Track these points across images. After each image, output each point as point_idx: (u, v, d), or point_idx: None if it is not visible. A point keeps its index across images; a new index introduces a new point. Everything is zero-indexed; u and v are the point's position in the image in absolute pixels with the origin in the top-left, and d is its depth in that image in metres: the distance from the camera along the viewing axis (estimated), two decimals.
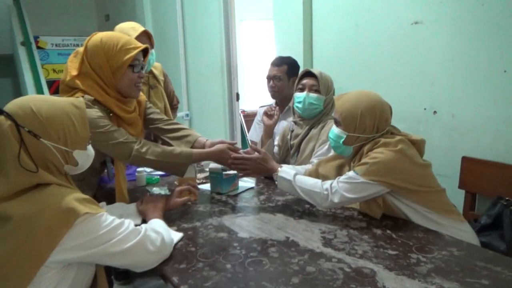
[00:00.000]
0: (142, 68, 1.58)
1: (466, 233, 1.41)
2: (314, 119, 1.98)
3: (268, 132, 2.08)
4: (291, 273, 1.10)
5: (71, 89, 1.52)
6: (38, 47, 5.40)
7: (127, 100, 1.61)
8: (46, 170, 1.04)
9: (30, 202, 0.98)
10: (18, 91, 5.65)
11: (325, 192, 1.44)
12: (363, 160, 1.42)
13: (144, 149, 1.52)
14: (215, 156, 1.66)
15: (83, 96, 1.48)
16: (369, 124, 1.45)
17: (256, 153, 1.66)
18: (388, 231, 1.35)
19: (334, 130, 1.52)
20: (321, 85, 1.93)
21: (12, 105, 1.03)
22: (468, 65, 1.85)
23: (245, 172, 1.66)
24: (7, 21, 5.43)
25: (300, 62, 2.52)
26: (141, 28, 2.15)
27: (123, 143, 1.50)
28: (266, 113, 2.09)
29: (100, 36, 1.52)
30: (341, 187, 1.42)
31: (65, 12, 6.07)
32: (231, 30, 3.52)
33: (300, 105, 1.97)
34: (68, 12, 6.10)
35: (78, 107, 1.11)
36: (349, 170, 1.53)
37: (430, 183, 1.44)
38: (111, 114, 1.57)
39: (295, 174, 1.53)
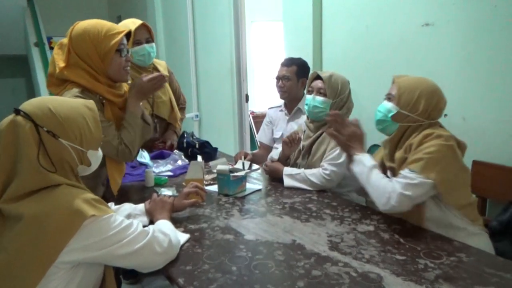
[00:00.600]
0: (128, 52, 1.63)
1: (487, 244, 1.40)
2: (322, 123, 1.97)
3: (282, 159, 2.01)
4: (296, 277, 1.10)
5: (61, 82, 1.55)
6: (51, 48, 5.47)
7: (117, 85, 1.65)
8: (61, 171, 1.05)
9: (41, 202, 0.99)
10: (32, 90, 5.74)
11: (387, 195, 1.37)
12: (417, 156, 1.36)
13: (122, 146, 1.61)
14: (134, 92, 1.68)
15: (71, 89, 1.51)
16: (424, 107, 1.42)
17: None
18: (396, 236, 1.34)
19: (385, 105, 1.50)
20: (328, 88, 1.91)
21: (29, 106, 1.04)
22: (479, 68, 1.82)
23: (336, 134, 1.55)
24: (21, 22, 5.53)
25: (310, 63, 2.51)
26: (140, 22, 2.22)
27: (109, 142, 1.56)
28: (285, 142, 1.96)
29: (83, 25, 1.54)
30: (399, 188, 1.34)
31: (78, 13, 6.11)
32: (241, 32, 3.53)
33: (306, 108, 1.97)
34: (81, 13, 6.13)
35: (90, 109, 1.14)
36: (389, 162, 1.51)
37: (469, 188, 1.43)
38: (103, 101, 1.60)
39: (374, 166, 1.46)
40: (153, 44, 2.30)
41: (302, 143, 2.03)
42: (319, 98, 1.93)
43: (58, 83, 1.55)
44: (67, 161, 1.06)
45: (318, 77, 1.97)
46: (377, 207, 1.44)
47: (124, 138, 1.62)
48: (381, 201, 1.38)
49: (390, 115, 1.47)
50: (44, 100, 1.07)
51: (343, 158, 1.83)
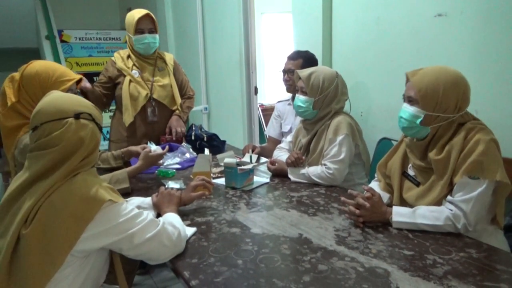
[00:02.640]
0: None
1: (503, 243, 1.37)
2: (314, 121, 1.96)
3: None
4: (302, 271, 1.09)
5: (19, 114, 1.55)
6: (62, 41, 5.49)
7: None
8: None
9: (59, 190, 1.02)
10: None
11: (449, 223, 1.27)
12: (471, 159, 1.25)
13: None
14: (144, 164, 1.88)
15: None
16: (452, 103, 1.30)
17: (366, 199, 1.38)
18: (405, 231, 1.31)
19: (408, 110, 1.36)
20: (307, 87, 1.90)
21: (85, 108, 1.11)
22: (493, 59, 1.78)
23: (359, 220, 1.36)
24: (32, 15, 5.56)
25: (319, 56, 2.48)
26: (145, 11, 2.35)
27: None
28: (288, 164, 1.92)
29: (35, 66, 1.58)
30: (465, 208, 1.25)
31: (88, 6, 6.16)
32: (250, 24, 3.50)
33: (294, 107, 2.01)
34: (91, 6, 6.20)
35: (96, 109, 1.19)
36: (420, 161, 1.41)
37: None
38: None
39: (413, 212, 1.32)
40: (156, 35, 2.40)
41: (301, 140, 2.02)
42: (302, 97, 1.92)
43: (12, 116, 1.56)
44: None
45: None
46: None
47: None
48: (452, 230, 1.28)
49: (417, 121, 1.34)
50: (82, 99, 1.16)
51: (343, 154, 1.81)
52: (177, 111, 2.52)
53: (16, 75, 1.58)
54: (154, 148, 1.91)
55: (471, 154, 1.26)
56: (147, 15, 2.35)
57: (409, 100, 1.38)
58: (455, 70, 1.37)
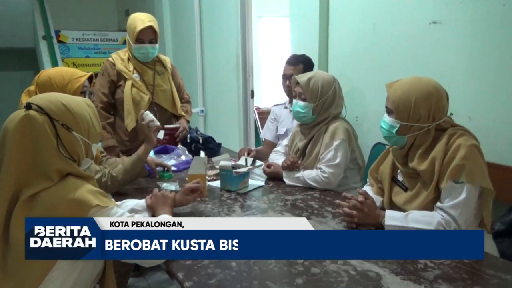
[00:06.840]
0: (91, 94, 1.77)
1: (492, 247, 1.39)
2: (312, 125, 1.97)
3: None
4: (295, 274, 1.10)
5: None
6: (59, 41, 5.50)
7: None
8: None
9: (48, 193, 1.01)
10: None
11: (441, 228, 1.29)
12: (454, 163, 1.28)
13: (106, 179, 1.69)
14: (148, 143, 1.81)
15: None
16: (424, 113, 1.36)
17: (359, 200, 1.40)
18: None
19: (386, 120, 1.44)
20: (307, 92, 1.90)
21: (42, 101, 1.07)
22: (487, 67, 1.80)
23: (354, 220, 1.38)
24: (30, 15, 5.57)
25: (316, 60, 2.49)
26: (148, 23, 2.32)
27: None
28: (284, 167, 1.92)
29: (47, 74, 1.66)
30: (454, 213, 1.28)
31: (86, 7, 6.18)
32: (248, 27, 3.52)
33: (292, 112, 2.02)
34: (89, 7, 6.21)
35: (90, 106, 1.19)
36: (403, 167, 1.45)
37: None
38: None
39: (405, 216, 1.34)
40: (156, 45, 2.40)
41: (298, 144, 2.03)
42: (300, 103, 1.93)
43: None
44: (77, 154, 1.10)
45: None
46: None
47: (116, 174, 1.71)
48: None
49: (394, 131, 1.41)
50: (54, 95, 1.12)
51: (339, 158, 1.83)
52: (186, 117, 2.57)
53: (31, 87, 1.64)
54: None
55: (453, 159, 1.29)
56: (150, 27, 2.31)
57: (387, 111, 1.45)
58: (430, 81, 1.41)
